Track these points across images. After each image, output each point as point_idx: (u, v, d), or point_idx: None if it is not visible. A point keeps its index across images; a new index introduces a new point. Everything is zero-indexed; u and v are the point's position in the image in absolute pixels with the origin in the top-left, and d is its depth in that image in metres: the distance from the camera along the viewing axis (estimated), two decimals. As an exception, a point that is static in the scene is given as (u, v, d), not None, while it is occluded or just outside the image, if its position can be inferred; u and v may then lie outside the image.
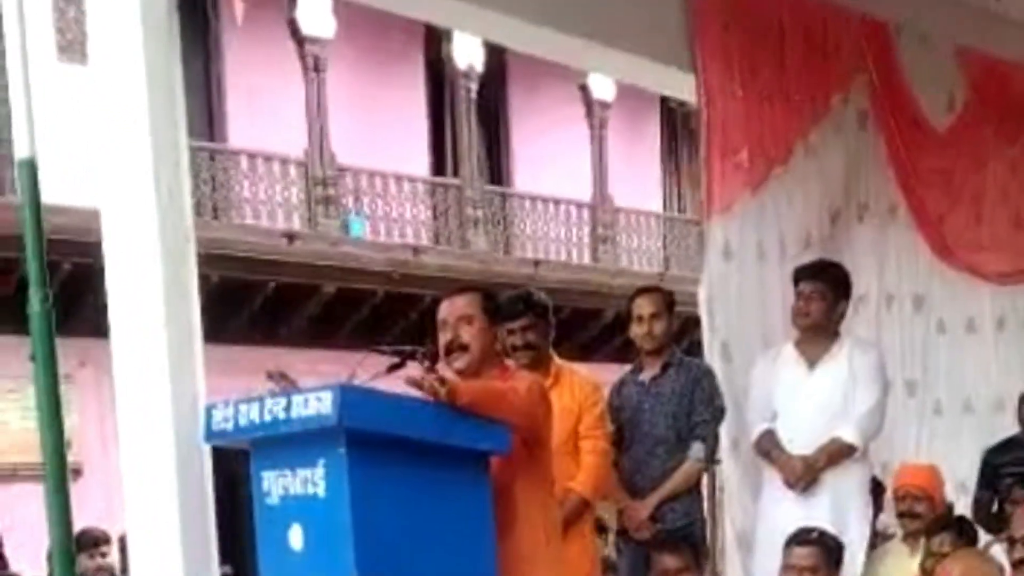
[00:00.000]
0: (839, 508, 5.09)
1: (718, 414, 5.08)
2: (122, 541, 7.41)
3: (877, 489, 5.57)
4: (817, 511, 5.03)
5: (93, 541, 7.24)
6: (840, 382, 5.15)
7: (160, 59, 4.07)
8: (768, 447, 5.18)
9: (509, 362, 4.24)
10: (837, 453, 5.10)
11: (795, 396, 5.17)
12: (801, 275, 5.24)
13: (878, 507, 5.60)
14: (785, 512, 5.10)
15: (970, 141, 6.66)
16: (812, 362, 5.20)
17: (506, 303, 4.57)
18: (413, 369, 3.73)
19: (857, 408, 5.14)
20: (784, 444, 5.15)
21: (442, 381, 3.51)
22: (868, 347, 5.40)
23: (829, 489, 5.11)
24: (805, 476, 5.08)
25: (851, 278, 5.39)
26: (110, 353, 4.11)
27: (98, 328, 4.59)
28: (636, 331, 5.13)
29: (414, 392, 3.51)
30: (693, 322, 5.71)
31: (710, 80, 5.65)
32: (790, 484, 5.11)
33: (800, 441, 5.12)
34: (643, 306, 5.12)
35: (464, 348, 3.86)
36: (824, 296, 5.17)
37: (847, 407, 5.13)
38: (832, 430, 5.11)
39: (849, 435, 5.11)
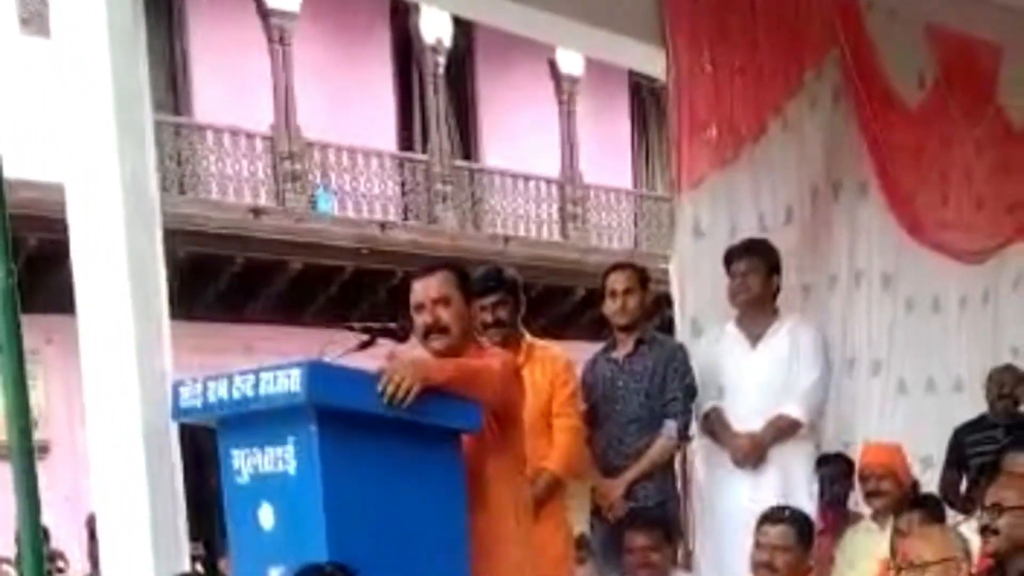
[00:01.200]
0: (786, 484, 5.12)
1: (691, 392, 5.07)
2: (89, 520, 7.36)
3: (847, 468, 5.58)
4: (764, 487, 5.06)
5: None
6: (782, 359, 5.18)
7: (124, 32, 4.03)
8: (714, 425, 5.19)
9: (482, 339, 4.19)
10: (783, 429, 5.13)
11: (739, 373, 5.19)
12: (733, 255, 5.27)
13: (848, 487, 5.62)
14: (733, 489, 5.13)
15: (939, 119, 6.67)
16: (754, 339, 5.22)
17: (477, 279, 4.52)
18: (384, 346, 3.69)
19: (800, 384, 5.16)
20: (730, 421, 5.15)
21: (413, 376, 3.43)
22: (809, 325, 5.43)
23: (776, 465, 5.13)
24: (752, 453, 5.10)
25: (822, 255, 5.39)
26: (77, 330, 4.06)
27: (65, 305, 4.54)
28: (609, 307, 5.11)
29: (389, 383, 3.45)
30: (664, 300, 5.69)
31: (679, 55, 5.62)
32: (737, 461, 5.11)
33: (745, 418, 5.14)
34: (616, 281, 5.09)
35: (444, 331, 3.79)
36: (758, 271, 5.21)
37: (790, 384, 5.16)
38: (777, 407, 5.13)
39: (794, 411, 5.14)
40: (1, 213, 3.74)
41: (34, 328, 3.78)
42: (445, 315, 3.79)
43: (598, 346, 5.37)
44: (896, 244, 6.44)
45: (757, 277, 5.20)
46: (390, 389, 3.40)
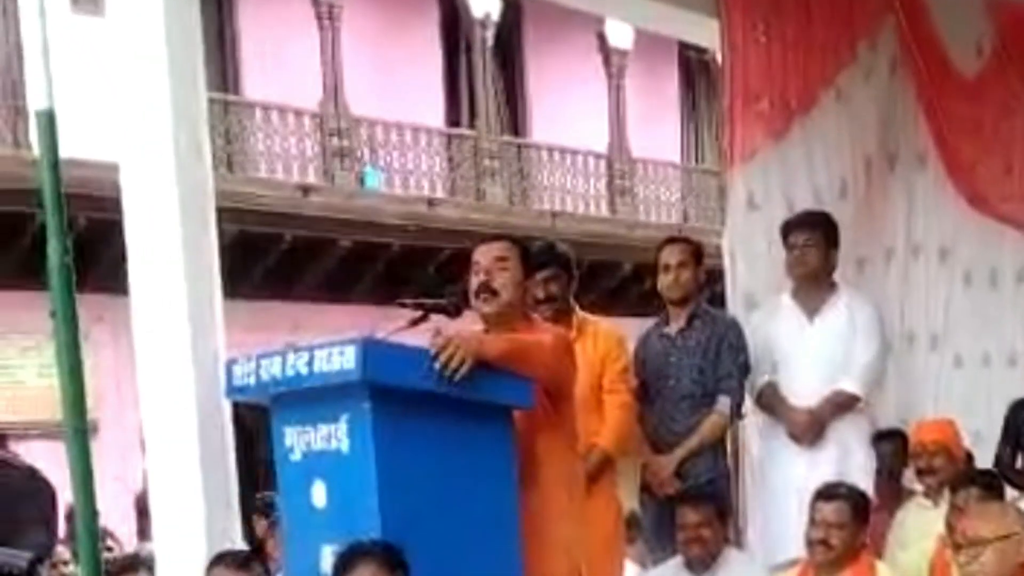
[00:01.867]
0: (843, 460, 5.06)
1: (744, 368, 5.01)
2: (139, 500, 7.43)
3: (903, 444, 5.52)
4: (821, 463, 5.00)
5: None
6: (840, 333, 5.11)
7: (178, 10, 4.02)
8: (771, 399, 5.13)
9: (534, 315, 4.17)
10: (841, 404, 5.07)
11: (795, 348, 5.13)
12: (791, 227, 5.19)
13: (903, 463, 5.56)
14: (789, 464, 5.08)
15: (999, 89, 6.56)
16: (811, 313, 5.16)
17: (530, 255, 4.50)
18: (436, 322, 3.67)
19: (857, 359, 5.10)
20: (785, 396, 5.10)
21: (467, 346, 3.43)
22: (866, 300, 5.36)
23: (832, 441, 5.07)
24: (810, 429, 5.04)
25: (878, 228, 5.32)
26: (126, 309, 4.08)
27: (114, 284, 4.57)
28: (663, 281, 5.06)
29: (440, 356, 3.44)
30: (714, 274, 5.64)
31: (733, 26, 5.57)
32: (795, 437, 5.07)
33: (801, 392, 5.08)
34: (670, 255, 5.04)
35: (495, 293, 3.79)
36: (817, 244, 5.14)
37: (847, 358, 5.09)
38: (833, 382, 5.07)
39: (852, 386, 5.08)
40: (57, 192, 3.76)
41: (84, 307, 3.79)
42: (499, 277, 3.80)
43: (646, 322, 5.32)
44: (954, 216, 6.37)
45: (816, 250, 5.13)
46: (442, 361, 3.39)
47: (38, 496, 4.48)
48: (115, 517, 9.51)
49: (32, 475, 4.62)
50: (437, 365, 3.40)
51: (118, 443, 10.89)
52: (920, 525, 5.17)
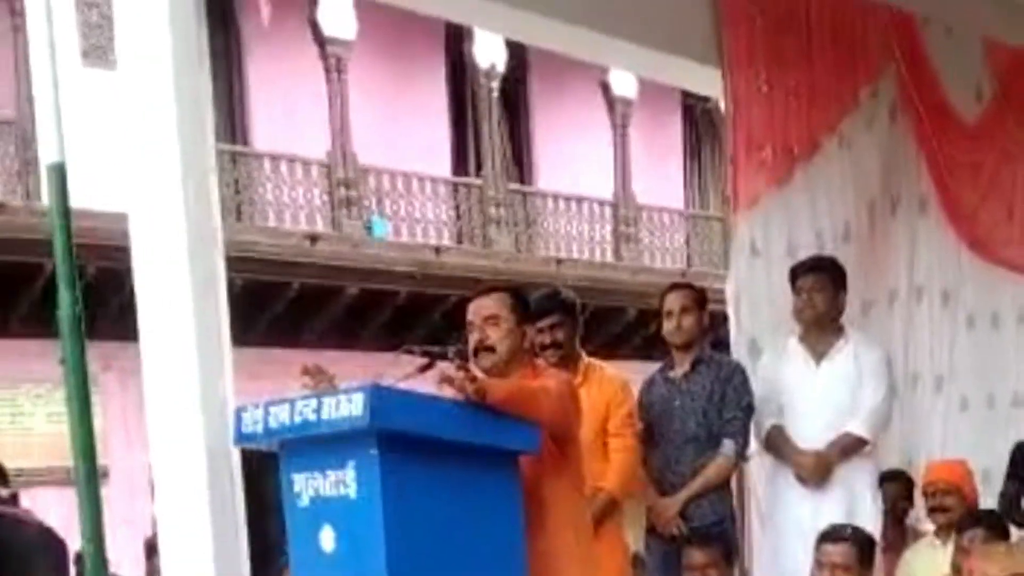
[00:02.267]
0: (850, 502, 5.07)
1: (748, 412, 5.04)
2: (148, 544, 7.44)
3: (908, 485, 5.54)
4: (828, 505, 5.01)
5: None
6: (847, 377, 5.14)
7: (188, 63, 4.08)
8: (778, 442, 5.16)
9: (539, 361, 4.21)
10: (848, 447, 5.09)
11: (802, 391, 5.16)
12: (799, 271, 5.23)
13: (908, 503, 5.57)
14: (796, 506, 5.09)
15: (999, 133, 6.63)
16: (819, 357, 5.19)
17: (534, 301, 4.54)
18: (443, 369, 3.71)
19: (865, 403, 5.12)
20: (792, 439, 5.13)
21: (473, 379, 3.50)
22: (874, 343, 5.39)
23: (840, 484, 5.08)
24: (818, 471, 5.06)
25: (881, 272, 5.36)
26: (134, 357, 4.11)
27: (122, 332, 4.60)
28: (666, 326, 5.11)
29: (445, 391, 3.50)
30: (717, 318, 5.67)
31: (736, 76, 5.63)
32: (802, 479, 5.08)
33: (808, 436, 5.10)
34: (673, 301, 5.09)
35: (490, 349, 3.84)
36: (825, 288, 5.17)
37: (854, 402, 5.12)
38: (839, 425, 5.09)
39: (860, 429, 5.10)
40: (67, 245, 3.81)
41: (93, 355, 3.84)
42: (493, 334, 3.85)
43: (650, 366, 5.35)
44: (956, 259, 6.42)
45: (823, 295, 5.16)
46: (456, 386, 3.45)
47: (50, 552, 4.52)
48: (125, 562, 9.51)
49: (44, 531, 4.65)
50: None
51: (127, 488, 10.91)
52: (928, 565, 5.19)
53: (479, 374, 3.77)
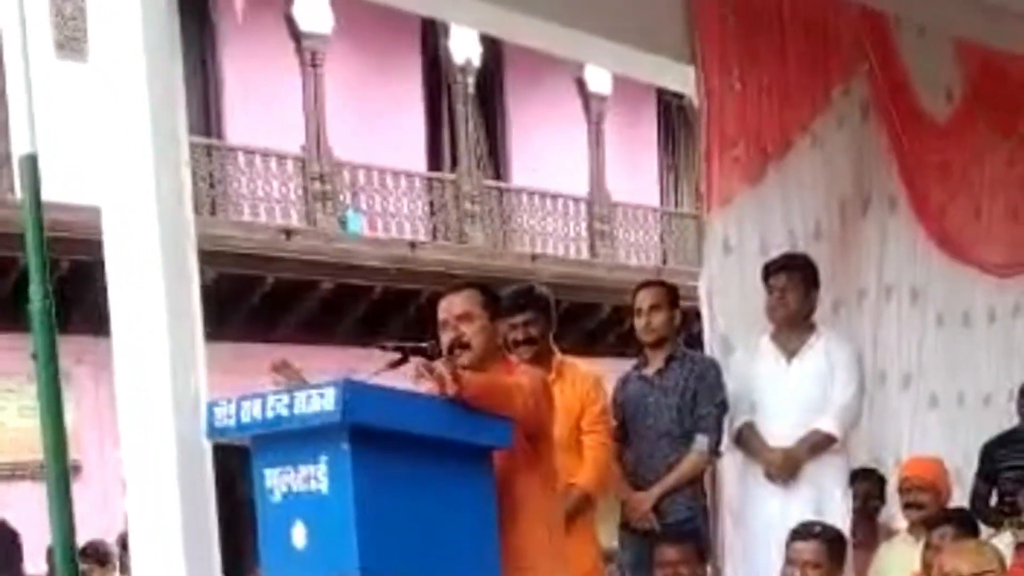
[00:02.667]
0: (819, 499, 5.10)
1: (722, 407, 5.07)
2: (122, 539, 7.43)
3: (879, 483, 5.57)
4: (797, 502, 5.04)
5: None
6: (818, 375, 5.17)
7: (161, 55, 4.06)
8: (748, 439, 5.19)
9: (512, 357, 4.22)
10: (817, 444, 5.11)
11: (773, 388, 5.18)
12: (771, 270, 5.26)
13: (880, 500, 5.61)
14: (765, 504, 5.12)
15: (968, 133, 6.67)
16: (790, 355, 5.21)
17: (508, 297, 4.55)
18: (424, 361, 3.72)
19: (835, 400, 5.15)
20: (764, 436, 5.15)
21: (455, 370, 3.49)
22: (845, 341, 5.43)
23: (809, 480, 5.11)
24: (786, 468, 5.09)
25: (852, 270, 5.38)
26: (107, 351, 4.10)
27: (95, 326, 4.58)
28: (637, 324, 5.14)
29: (422, 384, 3.49)
30: (691, 316, 5.70)
31: (710, 73, 5.64)
32: (771, 476, 5.11)
33: (779, 433, 5.13)
34: (643, 299, 5.13)
35: (466, 346, 3.84)
36: (797, 287, 5.21)
37: (825, 399, 5.15)
38: (810, 422, 5.12)
39: (829, 426, 5.12)
40: (39, 237, 3.80)
41: (65, 349, 3.83)
42: (467, 331, 3.85)
43: (624, 363, 5.38)
44: (926, 258, 6.45)
45: (796, 293, 5.20)
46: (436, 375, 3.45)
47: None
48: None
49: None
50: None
51: (99, 483, 10.87)
52: (900, 561, 5.23)
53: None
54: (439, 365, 3.50)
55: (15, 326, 8.25)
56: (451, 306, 3.89)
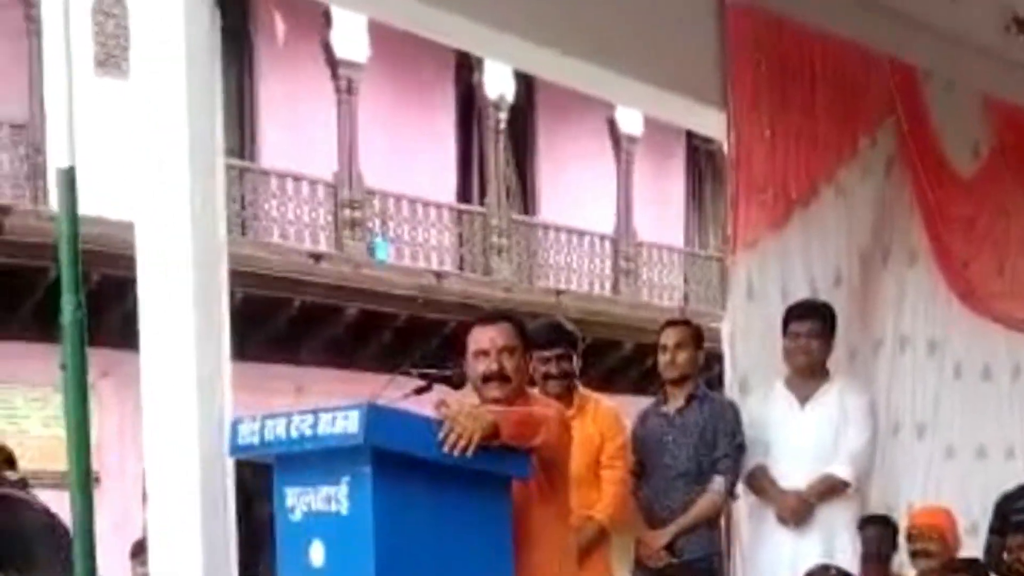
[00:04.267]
0: (829, 544, 5.11)
1: (740, 450, 5.09)
2: (134, 546, 7.47)
3: (892, 531, 5.57)
4: (808, 546, 5.05)
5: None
6: (831, 421, 5.19)
7: (201, 75, 4.12)
8: (761, 482, 5.20)
9: (534, 390, 4.24)
10: (830, 489, 5.13)
11: (786, 433, 5.20)
12: (796, 314, 5.27)
13: (892, 549, 5.60)
14: (776, 546, 5.14)
15: (994, 189, 6.69)
16: (803, 400, 5.23)
17: (541, 331, 4.60)
18: (440, 393, 3.75)
19: (849, 446, 5.17)
20: (776, 479, 5.17)
21: (489, 432, 3.48)
22: (859, 389, 5.46)
23: (820, 525, 5.13)
24: (799, 511, 5.10)
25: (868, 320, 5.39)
26: (132, 365, 4.15)
27: (121, 340, 4.65)
28: (661, 360, 5.17)
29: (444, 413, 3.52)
30: (712, 357, 5.73)
31: (740, 118, 5.69)
32: (783, 519, 5.12)
33: (790, 477, 5.15)
34: (669, 336, 5.15)
35: (507, 379, 3.84)
36: (821, 335, 5.23)
37: (837, 446, 5.16)
38: (822, 467, 5.14)
39: (842, 472, 5.15)
40: (74, 249, 3.86)
41: (91, 362, 3.89)
42: (509, 364, 3.84)
43: (644, 400, 5.40)
44: (945, 311, 6.45)
45: (818, 341, 5.22)
46: (452, 439, 3.45)
47: (54, 537, 4.57)
48: (114, 565, 9.51)
49: (49, 516, 4.70)
50: (449, 441, 3.44)
51: (119, 494, 10.92)
52: (911, 608, 5.22)
53: (485, 410, 3.76)
54: (462, 421, 3.46)
55: (44, 336, 8.35)
56: (495, 337, 3.86)
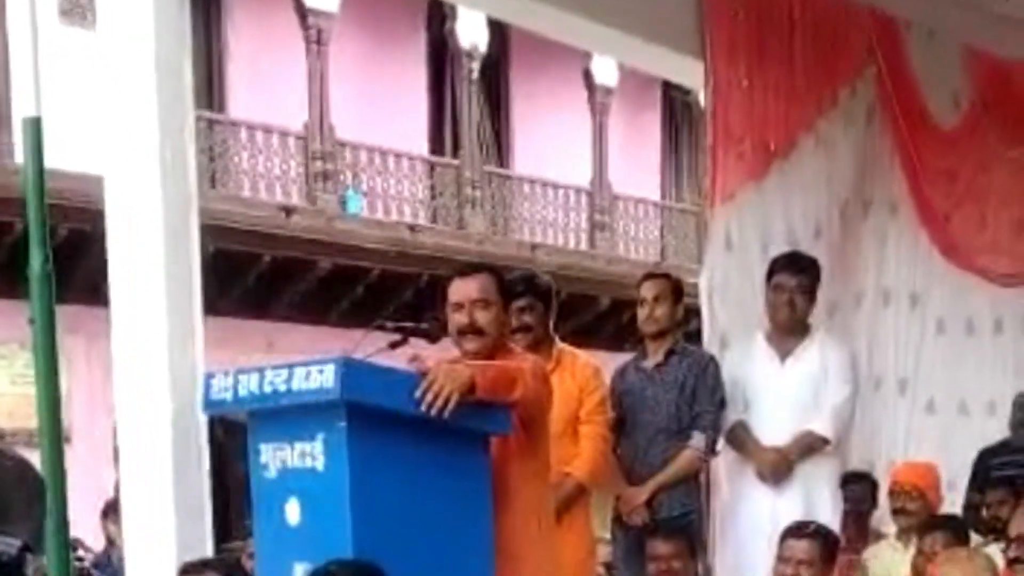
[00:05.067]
0: (809, 500, 5.09)
1: (720, 406, 5.05)
2: (106, 505, 7.42)
3: (872, 487, 5.57)
4: (788, 502, 5.04)
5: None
6: (811, 376, 5.15)
7: (169, 25, 4.06)
8: (741, 438, 5.17)
9: (513, 344, 4.19)
10: (810, 446, 5.11)
11: (766, 389, 5.16)
12: (781, 265, 5.20)
13: (872, 505, 5.60)
14: (756, 503, 5.12)
15: (975, 142, 6.66)
16: (784, 355, 5.19)
17: (510, 283, 4.53)
18: (416, 347, 3.69)
19: (829, 402, 5.13)
20: (756, 436, 5.14)
21: (466, 386, 3.43)
22: (840, 343, 5.41)
23: (800, 481, 5.10)
24: (779, 468, 5.08)
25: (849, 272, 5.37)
26: (101, 321, 4.10)
27: (90, 295, 4.57)
28: (639, 314, 5.11)
29: (417, 366, 3.47)
30: (690, 312, 5.68)
31: (718, 69, 5.64)
32: (762, 476, 5.10)
33: (770, 433, 5.12)
34: (648, 290, 5.08)
35: (480, 332, 3.79)
36: (806, 291, 5.17)
37: (818, 401, 5.13)
38: (802, 423, 5.11)
39: (822, 428, 5.11)
40: (40, 200, 3.79)
41: (59, 317, 3.82)
42: (482, 317, 3.79)
43: (621, 356, 5.35)
44: (927, 264, 6.43)
45: (803, 296, 5.16)
46: (429, 397, 3.39)
47: (25, 485, 4.49)
48: (84, 524, 9.46)
49: (20, 463, 4.62)
50: (426, 399, 3.39)
51: (89, 452, 10.84)
52: (887, 566, 5.22)
53: (463, 365, 3.71)
54: (439, 379, 3.42)
55: (9, 293, 8.23)
56: (469, 289, 3.81)
